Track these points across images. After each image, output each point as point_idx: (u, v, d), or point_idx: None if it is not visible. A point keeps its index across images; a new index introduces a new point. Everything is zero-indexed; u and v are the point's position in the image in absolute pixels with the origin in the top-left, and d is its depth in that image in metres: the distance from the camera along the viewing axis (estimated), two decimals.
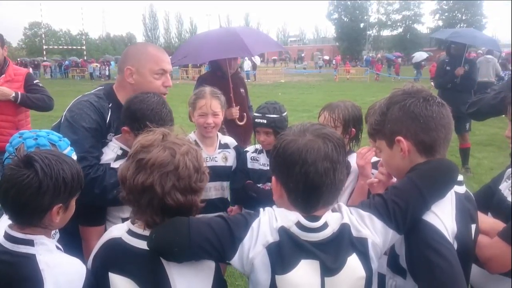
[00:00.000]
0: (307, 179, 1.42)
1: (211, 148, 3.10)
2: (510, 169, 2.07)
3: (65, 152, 1.88)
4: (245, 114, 4.80)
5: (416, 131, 1.57)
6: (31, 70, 19.72)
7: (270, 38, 6.36)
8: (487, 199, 1.99)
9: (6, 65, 4.54)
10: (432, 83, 9.08)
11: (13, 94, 4.42)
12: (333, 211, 1.54)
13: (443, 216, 1.50)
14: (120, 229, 1.60)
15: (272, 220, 1.47)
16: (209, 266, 1.57)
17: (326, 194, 1.46)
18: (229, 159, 3.14)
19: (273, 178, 1.54)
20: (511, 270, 1.72)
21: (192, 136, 3.10)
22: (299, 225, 1.45)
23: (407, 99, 1.59)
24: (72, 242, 2.00)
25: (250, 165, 3.09)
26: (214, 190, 3.06)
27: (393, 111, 1.61)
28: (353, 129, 2.63)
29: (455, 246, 1.50)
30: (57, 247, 1.63)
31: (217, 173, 2.98)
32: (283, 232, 1.44)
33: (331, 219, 1.48)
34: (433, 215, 1.51)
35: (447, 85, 7.33)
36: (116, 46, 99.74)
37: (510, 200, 1.91)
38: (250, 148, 3.20)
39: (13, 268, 1.49)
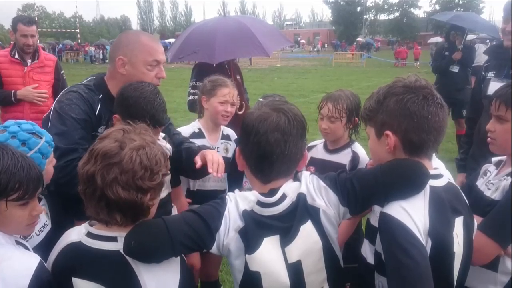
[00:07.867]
0: (259, 148, 1.52)
1: (214, 138, 3.08)
2: (486, 165, 2.09)
3: (30, 153, 1.73)
4: (243, 103, 4.74)
5: (407, 129, 1.52)
6: None
7: (277, 30, 6.20)
8: (466, 196, 1.97)
9: (38, 51, 4.56)
10: (417, 66, 9.05)
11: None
12: (294, 180, 1.61)
13: (413, 213, 1.46)
14: (78, 232, 1.55)
15: (238, 205, 1.55)
16: (175, 260, 1.57)
17: (278, 164, 1.54)
18: (230, 151, 3.12)
19: (237, 149, 1.68)
20: (491, 262, 1.78)
21: (196, 124, 3.08)
22: (259, 203, 1.53)
23: (406, 93, 1.52)
24: None
25: None
26: (212, 181, 2.97)
27: (389, 103, 1.54)
28: (355, 118, 2.62)
29: (429, 242, 1.46)
30: (18, 242, 1.56)
31: None
32: (246, 215, 1.52)
33: (289, 190, 1.56)
34: (403, 212, 1.46)
35: (444, 70, 7.32)
36: (110, 29, 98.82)
37: (487, 194, 1.93)
38: None
39: None
